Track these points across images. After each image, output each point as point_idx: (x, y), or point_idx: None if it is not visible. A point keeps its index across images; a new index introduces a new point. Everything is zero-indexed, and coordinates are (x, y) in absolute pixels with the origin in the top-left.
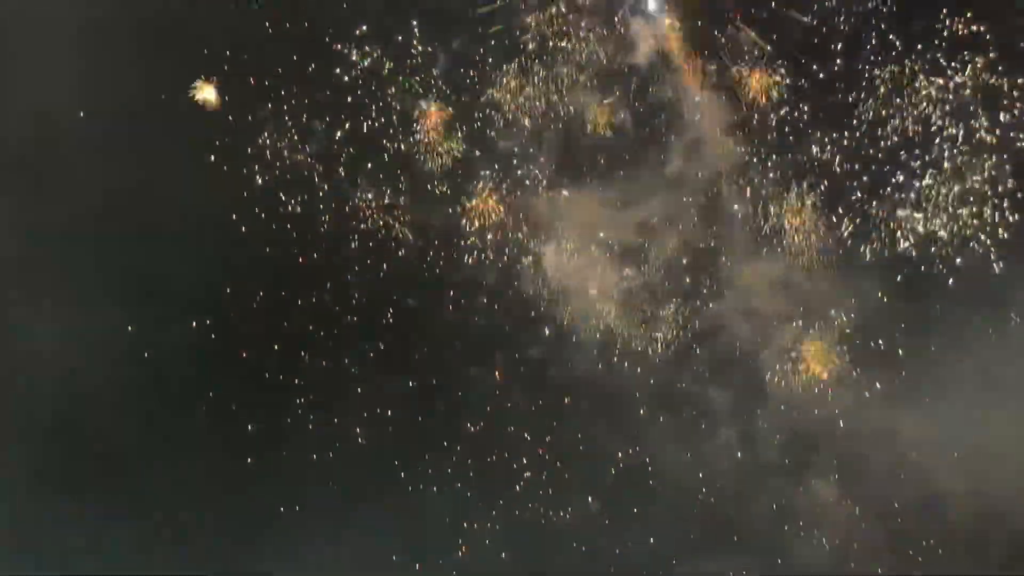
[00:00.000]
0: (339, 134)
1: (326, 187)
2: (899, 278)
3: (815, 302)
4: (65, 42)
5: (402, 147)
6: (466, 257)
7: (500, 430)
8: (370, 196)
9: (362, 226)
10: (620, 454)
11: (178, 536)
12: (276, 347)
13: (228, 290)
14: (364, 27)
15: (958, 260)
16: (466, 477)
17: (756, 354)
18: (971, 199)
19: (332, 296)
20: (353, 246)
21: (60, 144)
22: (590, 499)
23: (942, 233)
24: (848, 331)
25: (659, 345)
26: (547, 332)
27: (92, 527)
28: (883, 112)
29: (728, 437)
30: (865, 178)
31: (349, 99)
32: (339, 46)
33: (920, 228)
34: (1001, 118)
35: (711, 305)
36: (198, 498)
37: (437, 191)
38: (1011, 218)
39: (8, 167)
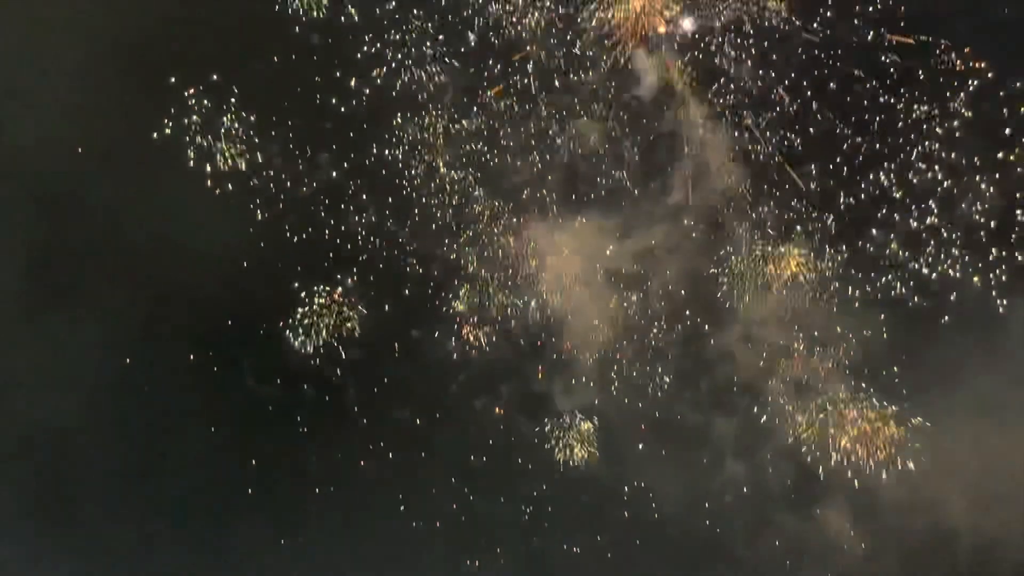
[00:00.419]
0: (334, 172)
1: (332, 221)
2: (900, 311)
3: (818, 333)
4: (68, 76)
5: (406, 180)
6: (467, 288)
7: (504, 463)
8: (373, 228)
9: (362, 257)
10: (626, 487)
11: (178, 567)
12: (279, 379)
13: (230, 322)
14: (367, 51)
15: (953, 296)
16: (470, 510)
17: (759, 385)
18: (971, 234)
19: (335, 327)
20: (355, 279)
21: (59, 176)
22: (597, 535)
23: (942, 269)
24: (852, 361)
25: (660, 376)
26: (549, 363)
27: (90, 558)
28: (883, 147)
29: (733, 469)
30: (866, 211)
31: (351, 133)
32: (342, 75)
33: (920, 261)
34: (999, 155)
35: (713, 335)
36: (199, 529)
37: (441, 222)
38: (1003, 252)
39: (8, 196)
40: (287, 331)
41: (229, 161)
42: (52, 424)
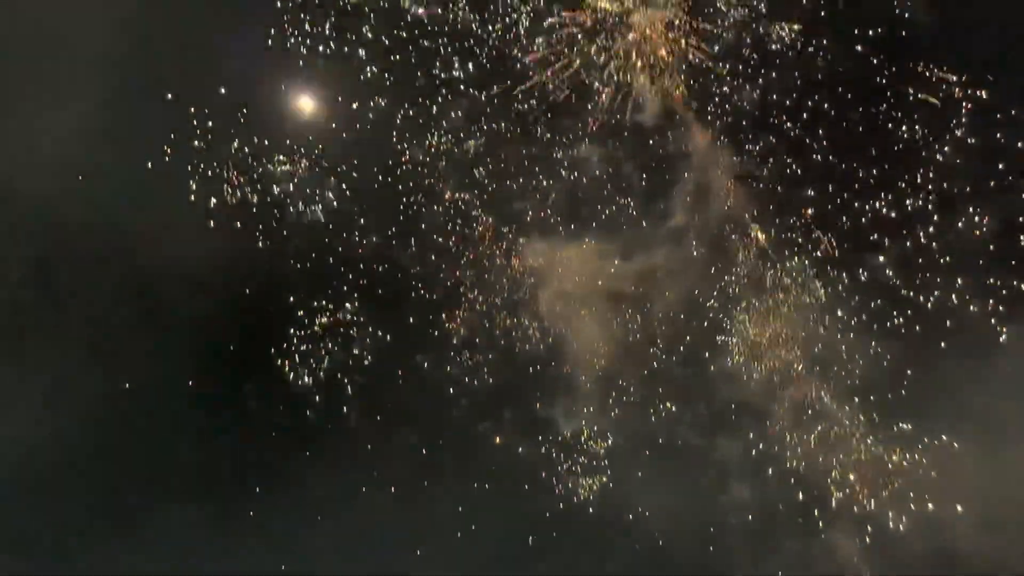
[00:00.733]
0: (337, 197)
1: (335, 247)
2: (899, 336)
3: (820, 356)
4: (74, 101)
5: (408, 204)
6: (467, 310)
7: (507, 489)
8: (376, 252)
9: (363, 281)
10: (630, 516)
11: None
12: (281, 406)
13: (231, 347)
14: (369, 75)
15: (949, 322)
16: (474, 536)
17: (762, 409)
18: (969, 260)
19: (339, 355)
20: (357, 304)
21: (61, 201)
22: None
23: (939, 294)
24: (853, 385)
25: (662, 399)
26: (550, 386)
27: None
28: (880, 173)
29: (737, 494)
30: (865, 236)
31: (356, 160)
32: (344, 99)
33: (918, 286)
34: (997, 182)
35: (714, 358)
36: (198, 555)
37: (443, 245)
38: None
39: (5, 223)
40: (287, 360)
41: (237, 194)
42: (50, 449)
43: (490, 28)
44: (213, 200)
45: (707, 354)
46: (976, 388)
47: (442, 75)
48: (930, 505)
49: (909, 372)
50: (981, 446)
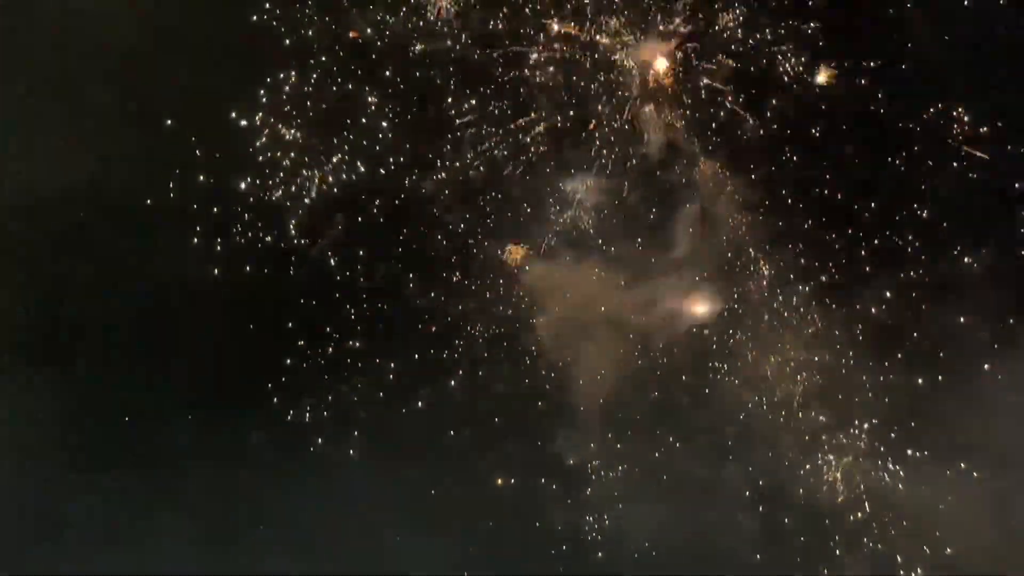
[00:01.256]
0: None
1: (338, 278)
2: (907, 364)
3: (829, 389)
4: (80, 121)
5: (411, 234)
6: (470, 342)
7: (514, 523)
8: (379, 284)
9: (367, 313)
10: (636, 553)
11: None
12: (282, 440)
13: (235, 378)
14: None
15: (951, 352)
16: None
17: (768, 440)
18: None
19: (342, 387)
20: (360, 340)
21: (59, 233)
22: None
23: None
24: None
25: (667, 427)
26: (554, 419)
27: None
28: (880, 208)
29: (747, 525)
30: (866, 270)
31: (362, 194)
32: (350, 133)
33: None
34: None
35: (719, 389)
36: None
37: (446, 275)
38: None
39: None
40: (288, 393)
41: (248, 233)
42: (46, 475)
43: (496, 65)
44: (218, 237)
45: (708, 386)
46: (979, 419)
47: (447, 108)
48: (944, 541)
49: (914, 404)
50: (988, 477)
